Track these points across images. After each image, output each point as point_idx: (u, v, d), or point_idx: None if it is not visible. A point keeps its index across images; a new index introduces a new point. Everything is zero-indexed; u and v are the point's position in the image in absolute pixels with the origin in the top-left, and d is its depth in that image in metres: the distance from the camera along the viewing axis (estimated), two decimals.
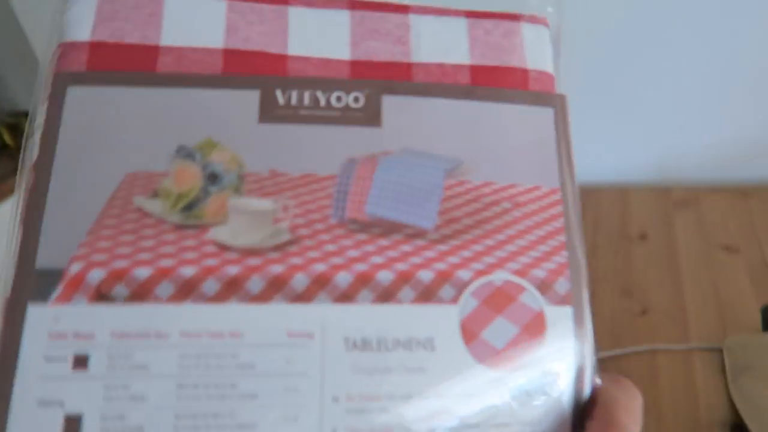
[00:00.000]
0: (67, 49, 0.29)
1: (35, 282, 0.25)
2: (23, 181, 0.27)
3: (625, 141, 1.11)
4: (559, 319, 0.27)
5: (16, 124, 1.36)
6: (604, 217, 1.05)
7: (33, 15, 1.07)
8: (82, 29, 0.30)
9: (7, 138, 1.36)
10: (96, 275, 0.25)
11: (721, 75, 1.01)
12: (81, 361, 0.24)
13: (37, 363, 0.24)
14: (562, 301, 0.28)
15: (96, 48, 0.29)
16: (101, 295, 0.25)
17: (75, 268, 0.25)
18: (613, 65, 1.00)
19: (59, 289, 0.25)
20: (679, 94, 1.04)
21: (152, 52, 0.29)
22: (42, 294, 0.25)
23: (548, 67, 0.32)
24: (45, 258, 0.25)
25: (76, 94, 0.28)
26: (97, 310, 0.25)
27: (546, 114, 0.31)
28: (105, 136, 0.28)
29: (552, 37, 0.34)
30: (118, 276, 0.25)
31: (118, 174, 0.27)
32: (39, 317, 0.24)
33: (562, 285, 0.28)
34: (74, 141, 0.27)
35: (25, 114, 1.35)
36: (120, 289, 0.25)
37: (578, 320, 0.28)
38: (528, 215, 0.29)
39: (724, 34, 0.95)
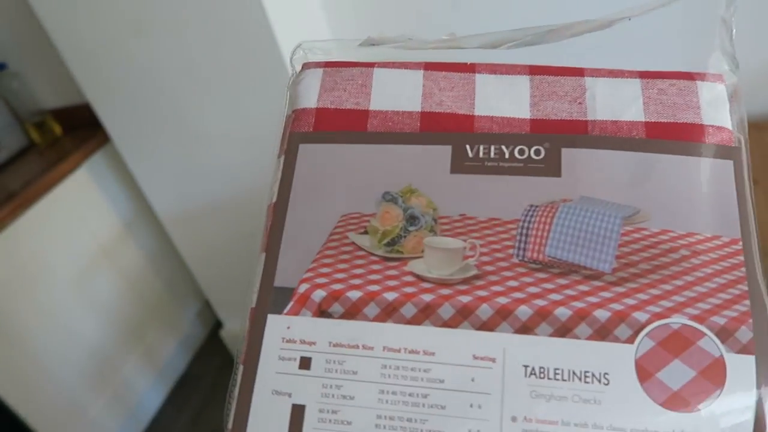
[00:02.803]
0: (299, 114, 0.37)
1: (273, 297, 0.31)
2: (264, 218, 0.35)
3: None
4: (741, 367, 0.28)
5: (43, 122, 1.47)
6: None
7: (55, 16, 1.10)
8: (311, 98, 0.37)
9: (35, 136, 1.46)
10: (319, 294, 0.31)
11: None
12: (306, 363, 0.30)
13: (273, 361, 0.30)
14: (744, 349, 0.28)
15: (320, 113, 0.36)
16: (322, 311, 0.31)
17: (303, 288, 0.31)
18: None
19: (290, 304, 0.31)
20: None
21: (363, 115, 0.36)
22: (278, 307, 0.31)
23: (725, 123, 0.33)
24: (281, 278, 0.32)
25: (305, 150, 0.35)
26: (319, 322, 0.30)
27: (725, 166, 0.32)
28: (327, 184, 0.34)
29: (729, 94, 0.35)
30: (335, 296, 0.31)
31: (337, 214, 0.33)
32: (276, 325, 0.31)
33: (744, 333, 0.28)
34: (304, 188, 0.34)
35: (50, 112, 1.49)
36: (336, 307, 0.31)
37: (762, 369, 0.28)
38: (707, 263, 0.30)
39: None
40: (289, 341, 0.30)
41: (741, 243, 0.30)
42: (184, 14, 1.03)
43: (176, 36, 1.06)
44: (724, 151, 0.32)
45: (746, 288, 0.29)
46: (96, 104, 1.21)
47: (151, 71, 1.12)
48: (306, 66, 0.39)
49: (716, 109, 0.34)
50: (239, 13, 1.00)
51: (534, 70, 0.36)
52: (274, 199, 0.34)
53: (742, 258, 0.30)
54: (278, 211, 0.34)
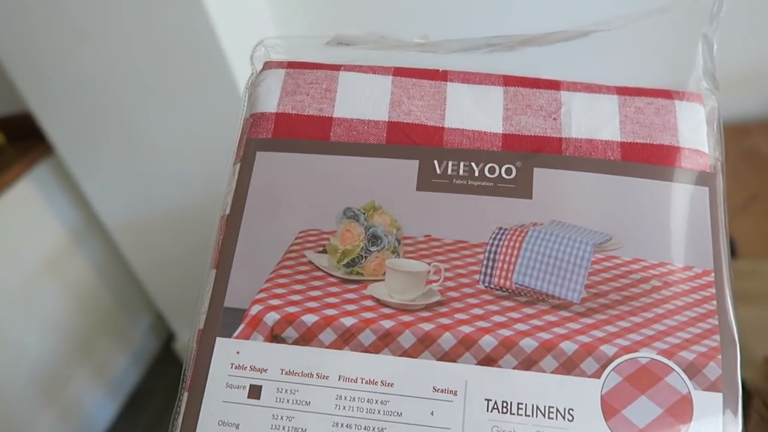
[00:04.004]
0: (257, 118, 0.34)
1: (223, 319, 0.29)
2: (216, 231, 0.32)
3: None
4: (708, 405, 0.27)
5: None
6: None
7: None
8: (271, 101, 0.35)
9: None
10: (272, 317, 0.29)
11: None
12: (255, 391, 0.28)
13: (220, 388, 0.28)
14: (712, 386, 0.27)
15: (281, 118, 0.34)
16: (275, 336, 0.29)
17: (255, 310, 0.29)
18: None
19: (241, 327, 0.29)
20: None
21: (327, 123, 0.34)
22: (227, 329, 0.29)
23: (702, 146, 0.32)
24: (232, 298, 0.30)
25: (263, 159, 0.33)
26: (271, 348, 0.28)
27: (701, 193, 0.31)
28: (285, 197, 0.32)
29: (707, 115, 0.33)
30: (289, 320, 0.29)
31: (294, 230, 0.31)
32: (224, 349, 0.29)
33: (712, 370, 0.27)
34: (260, 200, 0.32)
35: None
36: (290, 332, 0.29)
37: (728, 408, 0.27)
38: (678, 295, 0.29)
39: None
40: (238, 367, 0.28)
41: (713, 274, 0.29)
42: (128, 21, 0.99)
43: (120, 43, 1.02)
44: (700, 178, 0.31)
45: (717, 322, 0.28)
46: (39, 113, 1.16)
47: (96, 79, 1.08)
48: (267, 65, 0.36)
49: (694, 131, 0.33)
50: (182, 18, 0.97)
51: (509, 81, 0.35)
52: (228, 211, 0.32)
53: (713, 290, 0.29)
54: (231, 224, 0.32)
